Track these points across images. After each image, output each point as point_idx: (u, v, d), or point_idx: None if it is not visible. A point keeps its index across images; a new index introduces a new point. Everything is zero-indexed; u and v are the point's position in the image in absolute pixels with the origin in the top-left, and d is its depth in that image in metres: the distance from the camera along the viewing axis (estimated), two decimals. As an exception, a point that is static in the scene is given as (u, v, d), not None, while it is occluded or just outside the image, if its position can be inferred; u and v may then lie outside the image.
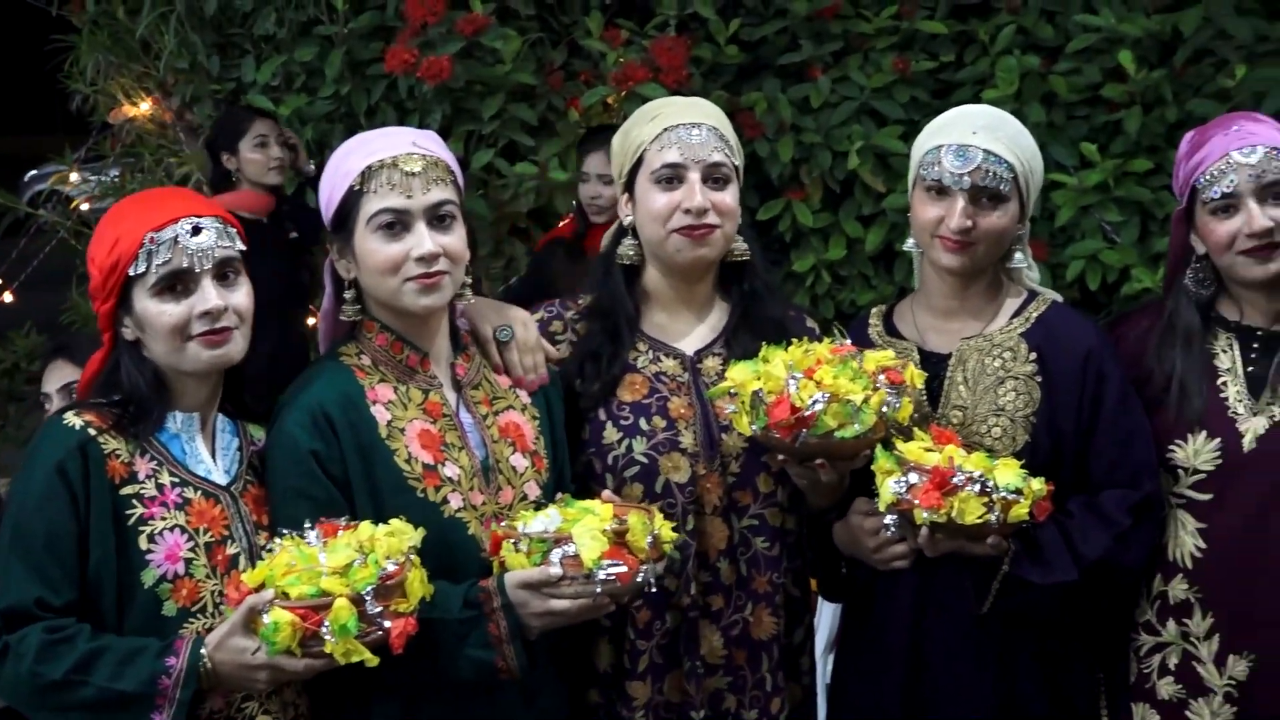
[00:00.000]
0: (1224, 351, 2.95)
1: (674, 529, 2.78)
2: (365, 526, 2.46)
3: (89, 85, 4.97)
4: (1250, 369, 2.92)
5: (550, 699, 2.82)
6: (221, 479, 2.62)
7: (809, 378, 2.68)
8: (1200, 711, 2.92)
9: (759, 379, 2.71)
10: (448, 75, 4.30)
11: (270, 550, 2.46)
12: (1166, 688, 2.95)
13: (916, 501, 2.67)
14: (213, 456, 2.64)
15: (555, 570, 2.50)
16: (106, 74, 4.90)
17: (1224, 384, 2.92)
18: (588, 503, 2.63)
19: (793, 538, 2.98)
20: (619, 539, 2.52)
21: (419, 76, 4.32)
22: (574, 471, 2.94)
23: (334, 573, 2.36)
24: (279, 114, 4.56)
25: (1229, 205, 2.84)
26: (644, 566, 2.52)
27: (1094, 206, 4.36)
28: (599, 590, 2.49)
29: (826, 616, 3.69)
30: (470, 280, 2.79)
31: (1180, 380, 2.92)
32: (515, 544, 2.57)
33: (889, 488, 2.70)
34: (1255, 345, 2.94)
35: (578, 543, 2.50)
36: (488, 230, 4.56)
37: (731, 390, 2.75)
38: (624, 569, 2.49)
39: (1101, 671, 3.07)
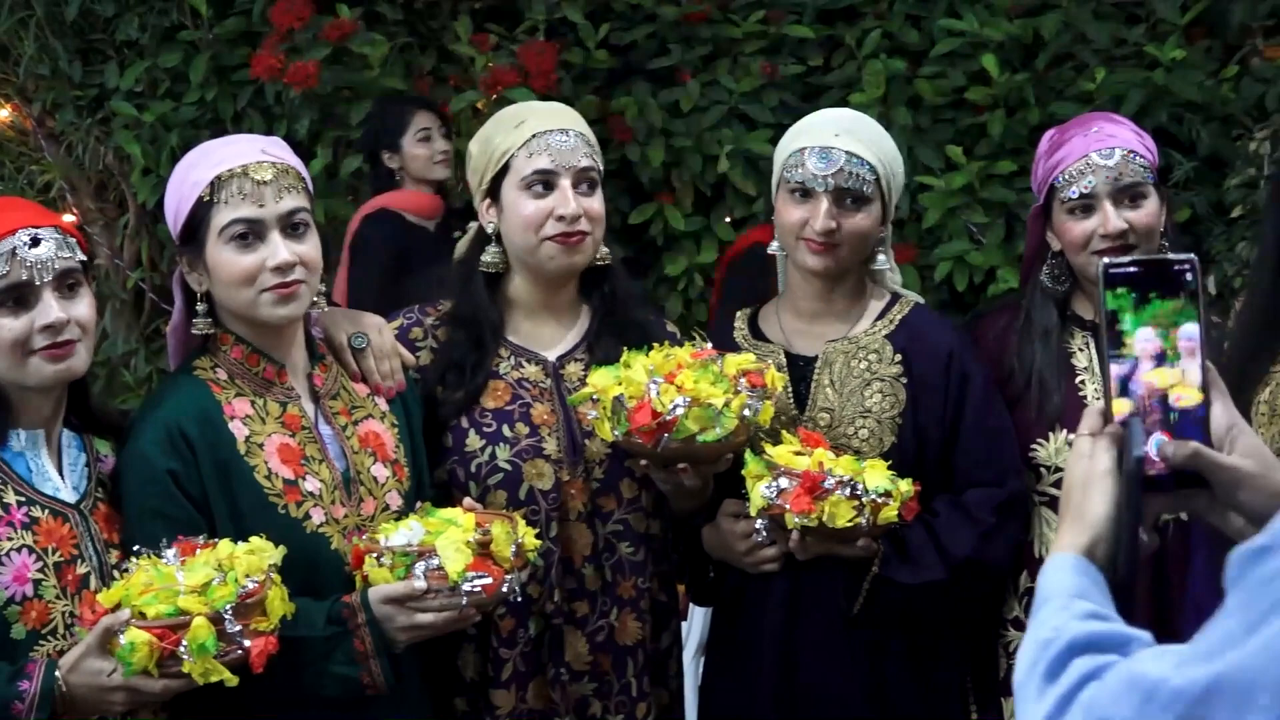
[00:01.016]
0: (1080, 350, 2.99)
1: (538, 535, 2.77)
2: (224, 544, 2.40)
3: None
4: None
5: (416, 709, 2.79)
6: (70, 497, 2.52)
7: (670, 382, 2.68)
8: (1064, 705, 2.97)
9: (620, 384, 2.71)
10: (315, 81, 4.30)
11: (125, 570, 2.38)
12: (1032, 681, 3.00)
13: (788, 506, 2.66)
14: (59, 473, 2.54)
15: (420, 584, 2.48)
16: None
17: (1082, 382, 2.96)
18: (449, 512, 2.60)
19: (658, 542, 2.97)
20: (483, 550, 2.50)
21: (286, 82, 4.31)
22: (436, 479, 2.90)
23: (192, 591, 2.30)
24: (143, 122, 4.50)
25: (1086, 205, 2.88)
26: (509, 576, 2.52)
27: (960, 208, 4.45)
28: (465, 602, 2.48)
29: (697, 620, 3.70)
30: (325, 289, 2.75)
31: (1039, 378, 2.95)
32: (378, 558, 2.54)
33: (760, 493, 2.69)
34: (1110, 343, 2.99)
35: (442, 555, 2.48)
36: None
37: (593, 396, 2.75)
38: (489, 580, 2.48)
39: (971, 669, 3.08)
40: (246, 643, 2.31)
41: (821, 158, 2.89)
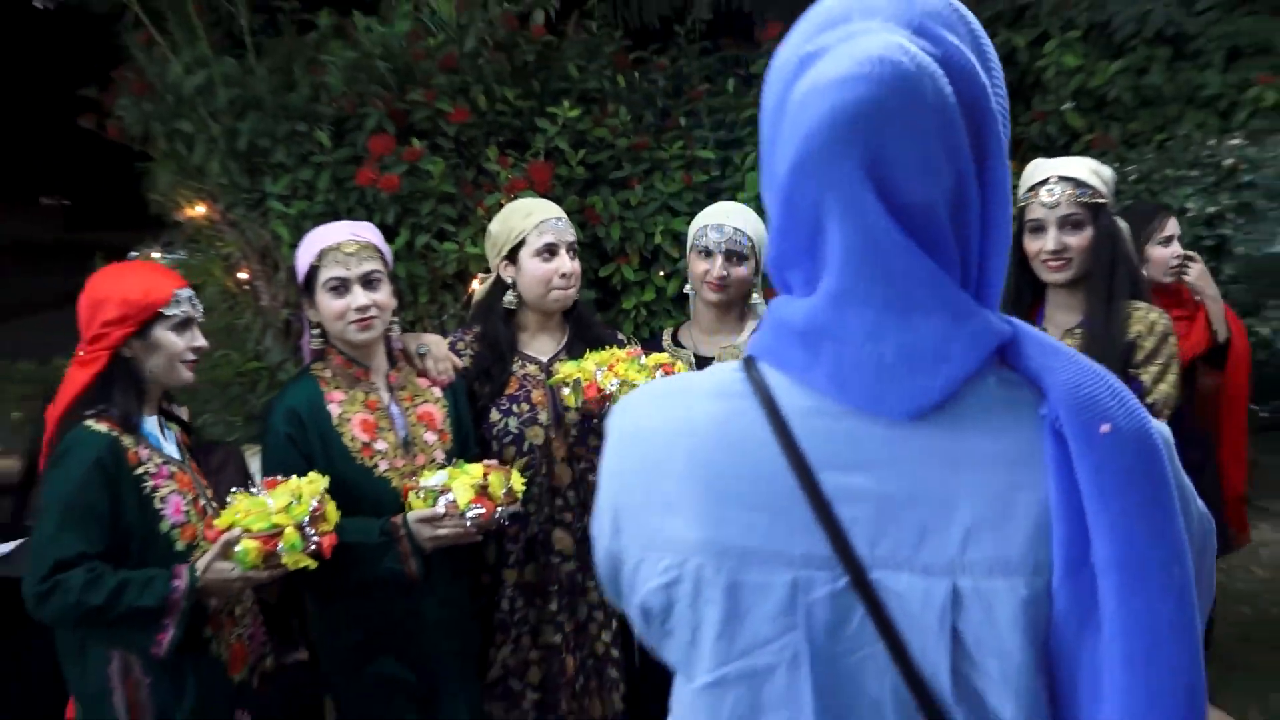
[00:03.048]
0: None
1: (534, 475, 2.82)
2: (293, 480, 2.39)
3: (163, 196, 4.82)
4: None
5: (451, 588, 2.79)
6: (177, 456, 2.51)
7: (610, 370, 2.70)
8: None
9: (579, 372, 2.72)
10: (397, 187, 4.27)
11: (229, 502, 2.37)
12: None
13: None
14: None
15: (440, 510, 2.52)
16: (174, 188, 4.77)
17: None
18: (470, 466, 2.61)
19: None
20: (482, 490, 2.53)
21: (379, 188, 4.28)
22: (479, 439, 2.91)
23: (279, 511, 2.30)
24: (288, 214, 4.44)
25: None
26: (499, 509, 2.54)
27: None
28: (468, 524, 2.53)
29: None
30: (397, 320, 2.75)
31: None
32: (417, 493, 2.58)
33: None
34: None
35: (456, 493, 2.51)
36: (426, 287, 4.46)
37: (564, 381, 2.75)
38: (484, 511, 2.52)
39: None
40: (318, 539, 2.33)
41: (718, 231, 2.97)
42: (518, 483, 2.60)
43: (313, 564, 2.34)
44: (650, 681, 3.05)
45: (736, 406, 0.98)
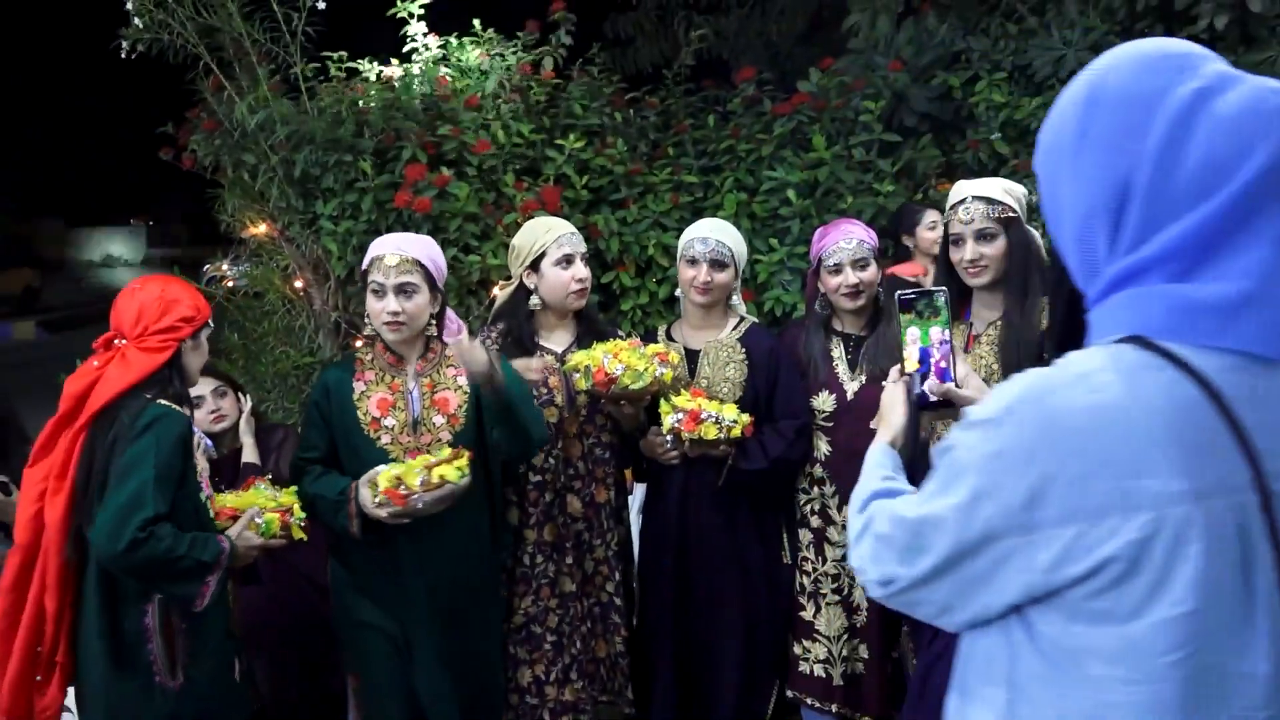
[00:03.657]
0: (835, 347, 3.01)
1: (549, 448, 2.82)
2: (265, 487, 2.59)
3: (231, 216, 4.83)
4: (849, 356, 2.99)
5: (479, 543, 2.77)
6: None
7: (615, 357, 2.72)
8: (831, 535, 3.00)
9: (588, 359, 2.74)
10: (429, 208, 4.27)
11: (226, 491, 2.50)
12: (814, 520, 3.02)
13: (683, 428, 2.75)
14: None
15: (376, 495, 2.49)
16: (240, 210, 4.79)
17: (836, 364, 2.98)
18: (440, 453, 2.54)
19: (616, 448, 3.02)
20: (397, 482, 2.47)
21: (414, 209, 4.28)
22: None
23: (282, 495, 2.51)
24: (337, 232, 4.43)
25: (837, 268, 2.92)
26: (413, 496, 2.46)
27: (777, 272, 4.46)
28: (384, 515, 2.48)
29: (639, 490, 3.74)
30: (434, 322, 2.72)
31: (814, 362, 2.99)
32: (373, 481, 2.54)
33: (668, 420, 2.77)
34: (850, 344, 3.01)
35: (379, 484, 2.48)
36: (454, 293, 4.43)
37: (576, 368, 2.76)
38: (390, 501, 2.46)
39: (784, 515, 3.08)
40: (304, 522, 2.51)
41: (703, 243, 2.94)
42: (449, 473, 2.49)
43: (305, 537, 2.48)
44: (645, 627, 3.06)
45: (1166, 376, 1.01)
